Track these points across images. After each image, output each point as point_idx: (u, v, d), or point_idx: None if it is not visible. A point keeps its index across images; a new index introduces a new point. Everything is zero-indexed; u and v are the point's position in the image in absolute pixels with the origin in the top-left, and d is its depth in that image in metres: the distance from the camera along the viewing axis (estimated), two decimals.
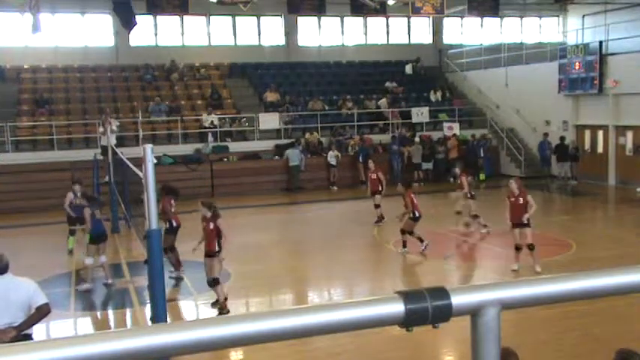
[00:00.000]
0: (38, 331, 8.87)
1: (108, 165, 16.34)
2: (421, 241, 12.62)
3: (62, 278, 11.38)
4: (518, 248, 10.96)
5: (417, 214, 12.65)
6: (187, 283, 11.34)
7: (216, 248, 9.26)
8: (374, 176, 15.81)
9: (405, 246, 12.75)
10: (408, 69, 28.75)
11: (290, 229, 14.71)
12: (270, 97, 25.26)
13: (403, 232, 12.72)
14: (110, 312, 10.50)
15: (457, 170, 14.50)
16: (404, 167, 23.36)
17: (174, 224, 11.30)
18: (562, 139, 22.48)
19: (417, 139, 23.95)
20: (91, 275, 10.97)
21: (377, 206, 15.66)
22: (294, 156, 22.02)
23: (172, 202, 11.40)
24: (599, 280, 1.42)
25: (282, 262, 12.78)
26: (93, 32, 26.07)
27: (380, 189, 15.65)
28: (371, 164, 16.34)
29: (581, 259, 11.93)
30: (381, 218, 15.62)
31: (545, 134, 23.01)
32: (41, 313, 5.50)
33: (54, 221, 16.36)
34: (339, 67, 28.75)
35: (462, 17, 28.91)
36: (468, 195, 14.16)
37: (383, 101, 25.70)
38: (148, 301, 5.84)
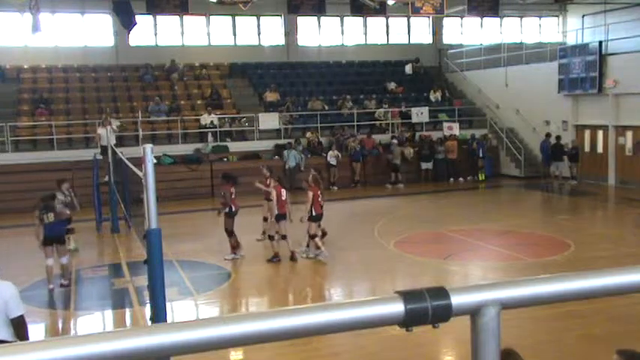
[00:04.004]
0: (38, 330, 8.88)
1: (108, 165, 16.35)
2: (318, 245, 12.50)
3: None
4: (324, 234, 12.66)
5: (313, 213, 12.39)
6: (187, 283, 11.35)
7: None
8: (269, 182, 13.40)
9: (307, 245, 12.76)
10: (408, 69, 28.75)
11: (289, 229, 14.70)
12: (270, 97, 25.26)
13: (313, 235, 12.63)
14: (110, 312, 10.50)
15: None
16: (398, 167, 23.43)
17: (234, 209, 12.54)
18: (557, 138, 22.48)
19: (394, 140, 23.59)
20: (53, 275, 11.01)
21: (265, 219, 14.04)
22: (290, 157, 22.03)
23: (232, 189, 12.68)
24: (599, 280, 1.42)
25: (282, 261, 12.77)
26: (93, 32, 26.06)
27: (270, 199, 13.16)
28: (265, 171, 13.84)
29: (580, 259, 11.93)
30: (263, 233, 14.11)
31: (547, 134, 22.98)
32: (18, 329, 5.07)
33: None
34: (339, 67, 28.76)
35: (461, 17, 28.93)
36: None
37: (381, 111, 25.51)
38: (148, 301, 5.83)
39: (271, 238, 12.70)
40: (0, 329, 5.13)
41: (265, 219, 14.17)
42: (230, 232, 12.66)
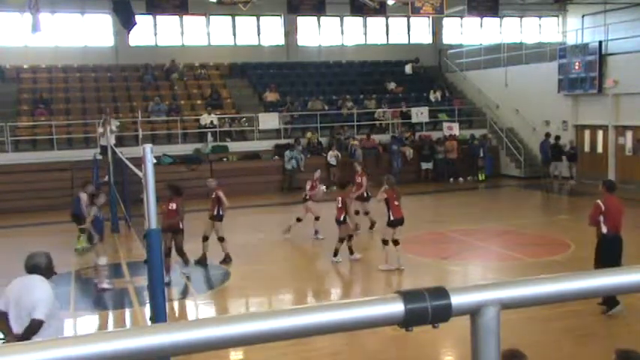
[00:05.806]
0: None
1: (108, 165, 16.34)
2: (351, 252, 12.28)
3: (62, 278, 11.36)
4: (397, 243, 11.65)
5: (391, 218, 11.98)
6: (187, 283, 11.35)
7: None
8: (315, 184, 15.19)
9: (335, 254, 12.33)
10: (408, 69, 28.75)
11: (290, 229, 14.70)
12: (270, 97, 25.27)
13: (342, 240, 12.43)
14: (110, 312, 10.49)
15: None
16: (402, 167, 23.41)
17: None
18: (557, 138, 22.48)
19: (356, 141, 23.37)
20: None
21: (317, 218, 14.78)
22: (289, 158, 22.03)
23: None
24: (599, 280, 1.42)
25: (282, 261, 12.79)
26: (93, 32, 26.07)
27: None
28: (317, 174, 15.69)
29: (580, 259, 11.91)
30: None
31: (547, 134, 22.97)
32: (29, 329, 5.15)
33: (54, 221, 16.38)
34: (339, 67, 28.76)
35: (461, 17, 28.92)
36: None
37: (381, 111, 25.50)
38: (148, 301, 5.83)
39: (221, 239, 12.45)
40: (22, 326, 5.23)
41: (299, 219, 14.57)
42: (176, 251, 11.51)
